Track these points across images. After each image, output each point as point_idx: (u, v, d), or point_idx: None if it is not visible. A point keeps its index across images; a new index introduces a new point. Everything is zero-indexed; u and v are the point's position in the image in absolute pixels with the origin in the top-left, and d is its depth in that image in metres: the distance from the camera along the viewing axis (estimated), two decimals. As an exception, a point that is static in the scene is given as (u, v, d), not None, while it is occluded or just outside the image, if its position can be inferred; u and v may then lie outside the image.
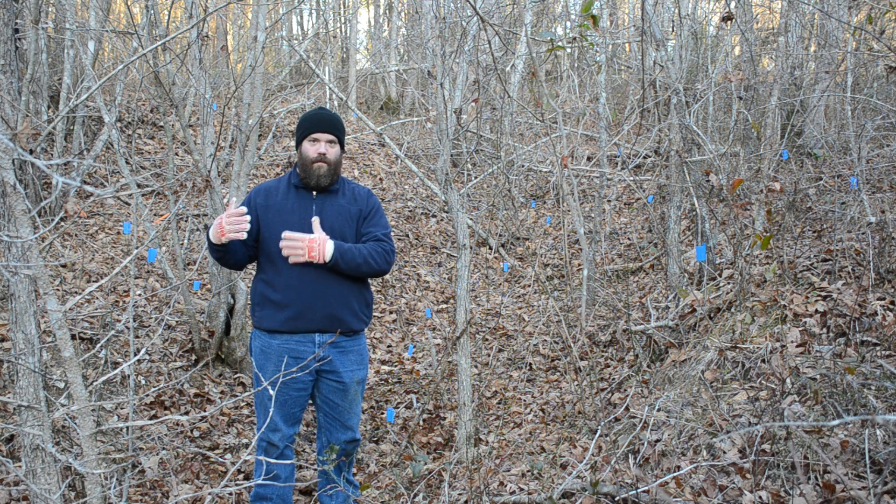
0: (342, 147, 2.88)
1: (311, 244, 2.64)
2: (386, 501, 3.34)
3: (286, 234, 2.65)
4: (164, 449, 3.44)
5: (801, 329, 3.41)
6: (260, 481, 1.86)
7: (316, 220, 2.71)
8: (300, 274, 2.70)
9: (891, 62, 5.28)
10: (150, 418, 3.73)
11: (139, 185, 6.33)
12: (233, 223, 2.60)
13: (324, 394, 2.84)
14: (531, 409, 4.23)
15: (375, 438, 4.16)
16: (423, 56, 9.89)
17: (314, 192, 2.83)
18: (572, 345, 4.16)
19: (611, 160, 8.78)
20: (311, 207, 2.80)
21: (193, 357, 4.45)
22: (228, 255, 2.74)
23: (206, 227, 2.82)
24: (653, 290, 5.44)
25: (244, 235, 2.61)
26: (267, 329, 2.76)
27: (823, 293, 3.66)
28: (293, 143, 8.32)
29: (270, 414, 2.05)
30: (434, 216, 8.43)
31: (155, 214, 6.66)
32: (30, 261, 1.71)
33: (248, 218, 2.63)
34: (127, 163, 6.88)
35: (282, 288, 2.72)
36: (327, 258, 2.66)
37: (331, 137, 2.81)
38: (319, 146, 2.79)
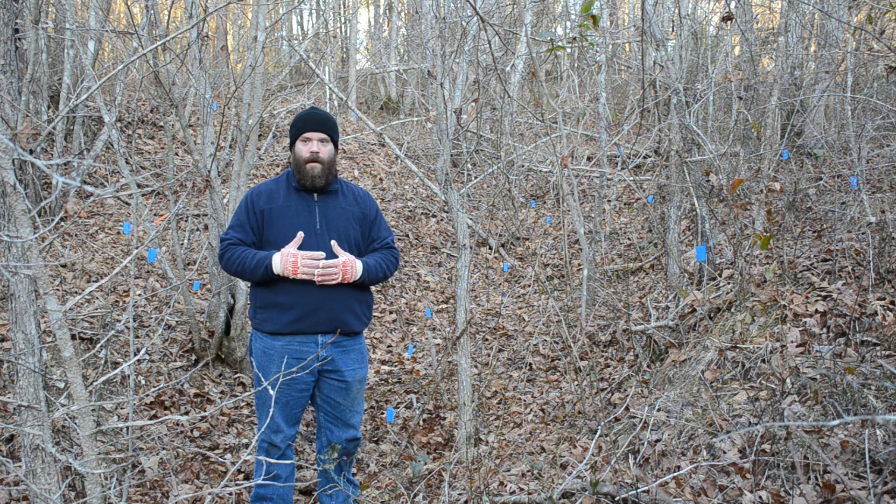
0: (336, 146, 2.88)
1: (345, 267, 2.72)
2: (386, 501, 3.34)
3: (323, 262, 2.69)
4: (164, 449, 3.44)
5: (801, 329, 3.41)
6: (260, 481, 1.86)
7: (335, 243, 2.76)
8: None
9: (891, 62, 5.28)
10: (150, 418, 3.73)
11: (139, 185, 6.33)
12: (309, 265, 2.65)
13: (325, 393, 2.84)
14: (531, 409, 4.23)
15: (375, 438, 4.16)
16: (423, 56, 9.90)
17: (315, 195, 2.83)
18: (572, 345, 4.16)
19: (611, 160, 8.78)
20: (313, 209, 2.80)
21: (193, 357, 4.45)
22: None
23: (229, 241, 2.81)
24: (653, 290, 5.44)
25: (318, 280, 2.67)
26: (270, 332, 2.76)
27: (823, 293, 3.66)
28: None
29: (272, 415, 2.04)
30: (434, 216, 8.43)
31: (155, 214, 6.66)
32: (30, 261, 1.71)
33: (324, 263, 2.68)
34: (127, 163, 6.88)
35: (286, 290, 2.72)
36: (357, 278, 2.75)
37: (323, 136, 2.81)
38: (312, 145, 2.78)
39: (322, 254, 2.68)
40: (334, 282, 2.71)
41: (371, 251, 2.92)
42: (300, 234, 2.70)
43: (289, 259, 2.66)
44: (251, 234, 2.79)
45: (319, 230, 2.77)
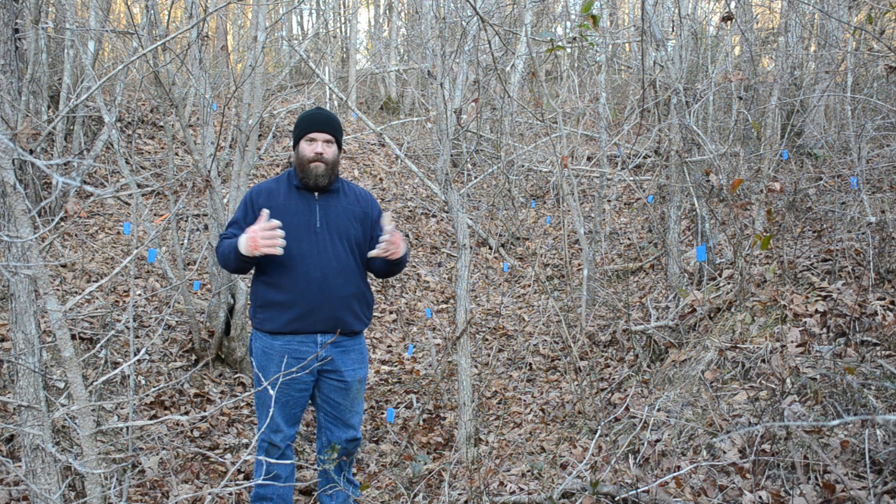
0: (340, 147, 2.88)
1: (400, 240, 2.78)
2: (386, 501, 3.34)
3: (389, 229, 2.72)
4: (164, 449, 3.44)
5: (801, 329, 3.41)
6: (260, 481, 1.86)
7: (388, 216, 2.80)
8: (305, 275, 2.71)
9: (891, 62, 5.28)
10: (150, 418, 3.73)
11: (139, 185, 6.33)
12: (267, 237, 2.59)
13: (325, 393, 2.84)
14: (531, 409, 4.23)
15: (375, 438, 4.16)
16: (423, 56, 9.90)
17: (316, 193, 2.83)
18: (572, 345, 4.16)
19: (611, 160, 8.78)
20: (314, 208, 2.80)
21: (193, 357, 4.45)
22: (252, 265, 2.75)
23: (226, 236, 2.79)
24: (653, 290, 5.44)
25: (280, 251, 2.61)
26: (269, 331, 2.76)
27: (823, 293, 3.66)
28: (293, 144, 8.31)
29: (272, 415, 2.04)
30: (434, 216, 8.43)
31: (155, 214, 6.66)
32: (30, 261, 1.71)
33: (283, 233, 2.63)
34: (127, 163, 6.88)
35: (287, 289, 2.71)
36: (402, 254, 2.81)
37: (328, 137, 2.81)
38: (316, 146, 2.78)
39: (276, 222, 2.62)
40: (398, 255, 2.74)
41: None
42: (265, 212, 2.64)
43: (249, 236, 2.61)
44: None
45: (320, 228, 2.77)
